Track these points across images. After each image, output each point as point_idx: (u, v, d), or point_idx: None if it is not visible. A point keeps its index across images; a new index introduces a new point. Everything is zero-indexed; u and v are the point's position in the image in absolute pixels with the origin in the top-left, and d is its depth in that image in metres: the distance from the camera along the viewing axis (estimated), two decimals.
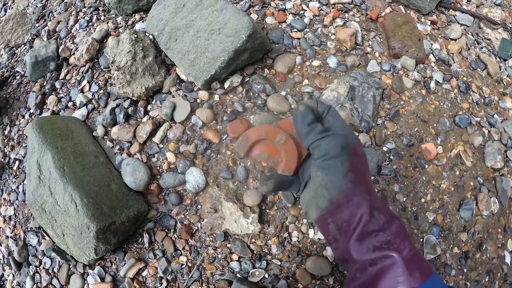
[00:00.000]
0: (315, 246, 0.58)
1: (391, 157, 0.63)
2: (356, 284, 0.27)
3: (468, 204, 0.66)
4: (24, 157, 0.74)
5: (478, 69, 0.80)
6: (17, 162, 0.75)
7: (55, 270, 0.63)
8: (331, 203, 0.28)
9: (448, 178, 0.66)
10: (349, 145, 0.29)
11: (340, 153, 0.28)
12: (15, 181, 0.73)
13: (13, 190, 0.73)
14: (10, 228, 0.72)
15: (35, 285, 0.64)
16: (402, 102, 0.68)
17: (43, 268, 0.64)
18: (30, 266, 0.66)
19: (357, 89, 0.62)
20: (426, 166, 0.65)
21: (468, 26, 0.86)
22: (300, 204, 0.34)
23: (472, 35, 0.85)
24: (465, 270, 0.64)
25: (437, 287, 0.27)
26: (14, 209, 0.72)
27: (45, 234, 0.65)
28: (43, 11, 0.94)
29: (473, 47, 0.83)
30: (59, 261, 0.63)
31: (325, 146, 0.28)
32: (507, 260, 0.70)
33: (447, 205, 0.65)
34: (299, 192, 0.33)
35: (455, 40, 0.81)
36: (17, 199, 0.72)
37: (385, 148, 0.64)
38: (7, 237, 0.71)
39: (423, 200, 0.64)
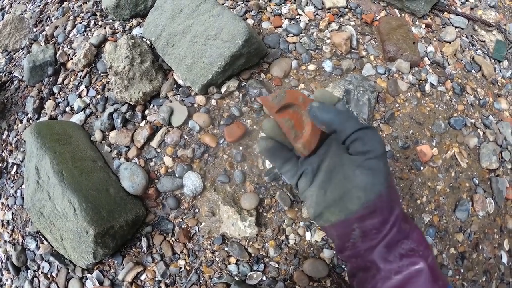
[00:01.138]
0: (312, 249, 0.58)
1: (387, 159, 0.64)
2: None
3: (464, 205, 0.67)
4: (22, 161, 0.74)
5: (473, 71, 0.80)
6: (15, 167, 0.75)
7: (54, 274, 0.63)
8: (365, 207, 0.25)
9: (443, 179, 0.67)
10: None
11: (384, 152, 0.25)
12: (13, 186, 0.73)
13: (11, 195, 0.73)
14: (8, 233, 0.72)
15: None
16: (397, 105, 0.69)
17: (42, 272, 0.64)
18: (29, 271, 0.66)
19: (352, 92, 0.63)
20: (422, 168, 0.66)
21: (462, 29, 0.87)
22: (307, 201, 0.28)
23: (466, 37, 0.86)
24: (462, 270, 0.65)
25: None
26: (12, 213, 0.72)
27: (43, 239, 0.65)
28: (41, 16, 0.94)
29: (467, 49, 0.84)
30: (57, 266, 0.63)
31: (370, 142, 0.24)
32: (504, 260, 0.70)
33: (443, 206, 0.66)
34: (295, 180, 0.30)
35: (450, 42, 0.82)
36: (15, 203, 0.72)
37: None
38: (5, 241, 0.71)
39: (419, 201, 0.64)
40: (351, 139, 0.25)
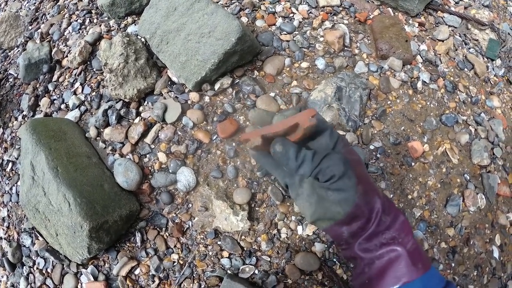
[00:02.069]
0: (303, 242, 0.59)
1: (378, 155, 0.65)
2: (365, 277, 0.29)
3: (454, 200, 0.67)
4: (17, 158, 0.75)
5: (466, 69, 0.81)
6: (10, 164, 0.75)
7: (49, 270, 0.64)
8: (346, 216, 0.28)
9: (434, 175, 0.67)
10: (344, 154, 0.29)
11: (344, 169, 0.28)
12: (8, 183, 0.74)
13: (7, 192, 0.73)
14: (3, 230, 0.72)
15: (29, 285, 0.65)
16: (389, 102, 0.70)
17: (37, 268, 0.65)
18: (24, 267, 0.67)
19: (344, 89, 0.64)
20: (413, 163, 0.67)
21: (456, 27, 0.88)
22: (300, 209, 0.33)
23: (459, 36, 0.87)
24: (453, 264, 0.66)
25: (436, 278, 0.29)
26: (8, 210, 0.73)
27: (38, 235, 0.65)
28: (36, 14, 0.94)
29: (460, 47, 0.84)
30: (52, 261, 0.64)
31: (328, 170, 0.28)
32: (495, 254, 0.71)
33: (434, 201, 0.67)
34: (284, 180, 0.32)
35: (443, 41, 0.83)
36: (11, 200, 0.72)
37: (372, 147, 0.65)
38: (1, 238, 0.71)
39: (409, 196, 0.65)
40: (313, 175, 0.28)
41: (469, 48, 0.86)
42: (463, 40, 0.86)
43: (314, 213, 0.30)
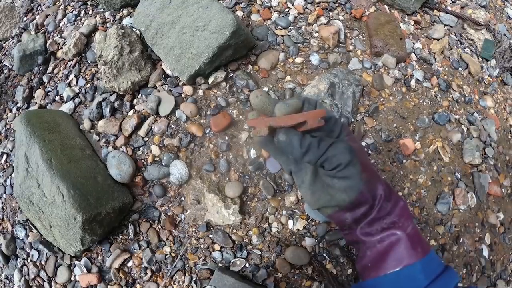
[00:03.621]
0: (294, 237, 0.60)
1: (369, 151, 0.66)
2: (367, 260, 0.30)
3: (445, 198, 0.68)
4: (11, 151, 0.74)
5: (460, 69, 0.82)
6: (4, 156, 0.75)
7: (43, 262, 0.64)
8: (351, 203, 0.29)
9: (425, 173, 0.68)
10: (348, 141, 0.29)
11: (350, 158, 0.27)
12: (2, 175, 0.74)
13: (1, 184, 0.73)
14: None
15: (23, 277, 0.65)
16: (381, 99, 0.70)
17: (31, 260, 0.65)
18: (18, 259, 0.67)
19: (337, 85, 0.64)
20: (404, 161, 0.67)
21: (451, 27, 0.88)
22: (304, 197, 0.33)
23: (455, 35, 0.87)
24: (442, 262, 0.67)
25: (435, 262, 0.30)
26: (2, 202, 0.73)
27: (32, 227, 0.66)
28: (32, 5, 0.94)
29: (455, 47, 0.85)
30: (46, 253, 0.64)
31: (334, 159, 0.27)
32: (485, 253, 0.72)
33: (424, 199, 0.67)
34: (289, 167, 0.32)
35: (438, 40, 0.83)
36: (5, 192, 0.72)
37: (363, 143, 0.66)
38: None
39: (400, 193, 0.66)
40: (319, 164, 0.28)
41: (464, 48, 0.86)
42: (458, 40, 0.87)
43: (319, 200, 0.30)
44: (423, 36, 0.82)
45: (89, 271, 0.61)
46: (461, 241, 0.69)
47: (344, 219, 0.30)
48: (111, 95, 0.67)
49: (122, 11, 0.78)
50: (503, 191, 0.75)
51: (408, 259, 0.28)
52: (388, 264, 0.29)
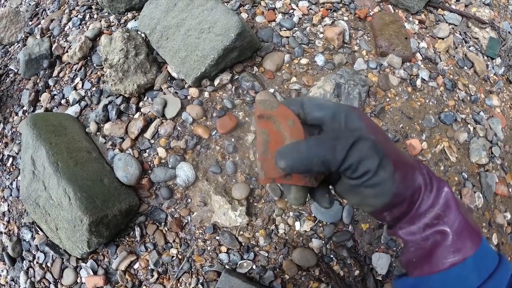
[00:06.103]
0: (301, 238, 0.59)
1: None
2: (411, 256, 0.27)
3: None
4: (17, 153, 0.75)
5: (465, 67, 0.81)
6: (10, 159, 0.76)
7: (49, 264, 0.64)
8: (384, 206, 0.26)
9: None
10: (370, 135, 0.24)
11: (379, 160, 0.23)
12: (8, 178, 0.74)
13: (7, 187, 0.74)
14: (4, 224, 0.73)
15: (28, 280, 0.65)
16: (387, 99, 0.70)
17: (37, 262, 0.65)
18: (24, 261, 0.67)
19: (343, 86, 0.64)
20: None
21: (456, 25, 0.88)
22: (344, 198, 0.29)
23: (460, 34, 0.87)
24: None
25: (489, 256, 0.26)
26: (8, 205, 0.73)
27: (38, 229, 0.66)
28: (36, 9, 0.94)
29: (460, 46, 0.84)
30: (52, 256, 0.64)
31: (360, 166, 0.22)
32: None
33: None
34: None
35: (443, 39, 0.83)
36: (11, 195, 0.73)
37: None
38: (1, 233, 0.72)
39: None
40: (342, 169, 0.23)
41: (469, 47, 0.86)
42: (463, 38, 0.86)
43: (350, 201, 0.29)
44: (427, 35, 0.82)
45: (95, 273, 0.61)
46: None
47: (382, 217, 0.27)
48: (117, 98, 0.68)
49: (127, 14, 0.79)
50: (510, 190, 0.74)
51: (456, 258, 0.25)
52: (435, 265, 0.25)
